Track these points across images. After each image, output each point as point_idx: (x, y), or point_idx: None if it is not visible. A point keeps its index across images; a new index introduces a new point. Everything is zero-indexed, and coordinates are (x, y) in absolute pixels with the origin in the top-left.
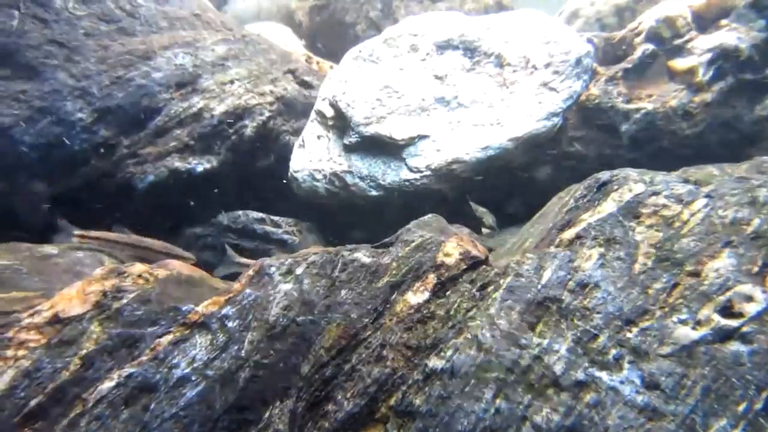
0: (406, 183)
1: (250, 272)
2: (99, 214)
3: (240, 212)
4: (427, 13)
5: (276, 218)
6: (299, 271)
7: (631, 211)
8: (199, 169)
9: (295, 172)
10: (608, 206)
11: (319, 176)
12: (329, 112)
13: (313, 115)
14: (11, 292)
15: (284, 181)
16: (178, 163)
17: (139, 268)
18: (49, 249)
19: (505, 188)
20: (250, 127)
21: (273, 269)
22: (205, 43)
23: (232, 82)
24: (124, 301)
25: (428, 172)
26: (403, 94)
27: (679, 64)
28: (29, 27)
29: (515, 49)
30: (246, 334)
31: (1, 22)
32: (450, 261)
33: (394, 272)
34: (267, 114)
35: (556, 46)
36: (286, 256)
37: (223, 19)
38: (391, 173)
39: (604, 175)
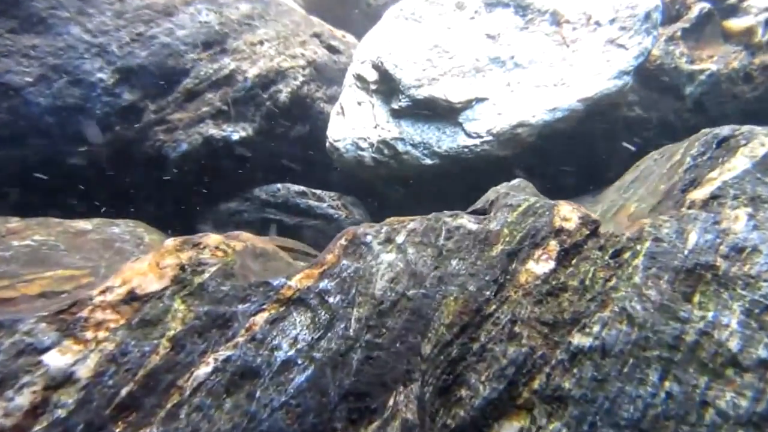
0: (465, 149)
1: (342, 241)
2: (127, 186)
3: (279, 185)
4: None
5: (317, 191)
6: (400, 239)
7: None
8: (235, 137)
9: (336, 141)
10: (740, 162)
11: (364, 145)
12: (371, 76)
13: (350, 79)
14: (56, 270)
15: (320, 152)
16: (212, 131)
17: (215, 238)
18: (83, 224)
19: (561, 155)
20: (284, 92)
21: (370, 237)
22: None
23: (261, 42)
24: (206, 275)
25: (489, 137)
26: (455, 54)
27: (734, 24)
28: None
29: (573, 5)
30: (351, 311)
31: None
32: (570, 226)
33: (507, 239)
34: (301, 79)
35: (620, 0)
36: (378, 224)
37: None
38: (446, 139)
39: (723, 130)
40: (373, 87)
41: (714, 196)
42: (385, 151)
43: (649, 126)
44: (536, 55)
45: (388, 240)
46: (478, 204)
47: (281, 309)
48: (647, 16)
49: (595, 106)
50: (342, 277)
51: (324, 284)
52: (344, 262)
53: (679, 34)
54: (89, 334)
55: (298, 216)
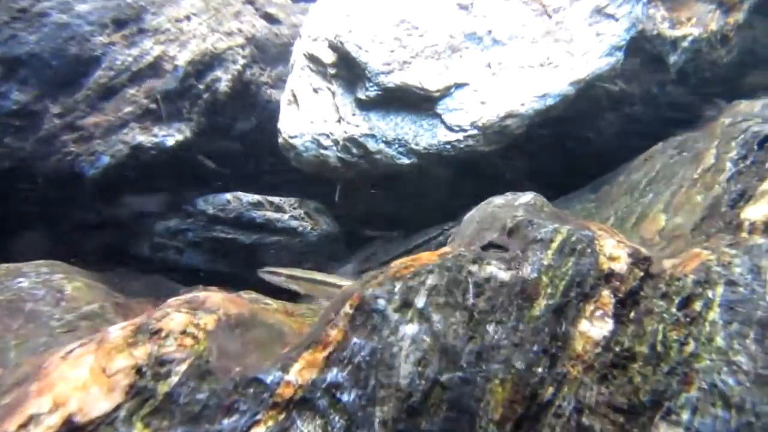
0: (447, 146)
1: (348, 309)
2: (31, 217)
3: (228, 196)
4: None
5: (275, 199)
6: (420, 302)
7: None
8: (170, 142)
9: (291, 138)
10: None
11: (327, 142)
12: (328, 57)
13: (301, 60)
14: None
15: (270, 149)
16: (141, 137)
17: (179, 320)
18: None
19: (549, 144)
20: (224, 80)
21: (382, 303)
22: None
23: (188, 17)
24: (174, 379)
25: (474, 131)
26: (426, 30)
27: None
28: None
29: None
30: (374, 411)
31: None
32: (620, 267)
33: (548, 291)
34: (241, 62)
35: None
36: (385, 277)
37: None
38: (424, 134)
39: (764, 128)
40: (331, 71)
41: None
42: (354, 150)
43: (632, 101)
44: (516, 28)
45: (406, 304)
46: (492, 232)
47: (281, 418)
48: None
49: (587, 88)
50: (355, 362)
51: (333, 375)
52: (355, 340)
53: None
54: None
55: (256, 232)
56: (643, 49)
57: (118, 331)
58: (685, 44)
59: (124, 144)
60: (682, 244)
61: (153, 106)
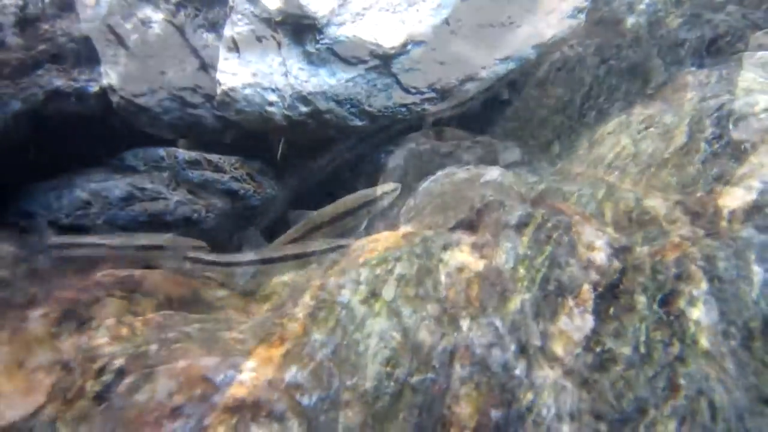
0: (402, 109)
1: (308, 300)
2: None
3: (162, 151)
4: None
5: (213, 158)
6: (389, 293)
7: None
8: (94, 88)
9: (232, 90)
10: None
11: (273, 98)
12: (273, 2)
13: (240, 4)
14: None
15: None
16: (59, 81)
17: (113, 306)
18: None
19: (502, 110)
20: (155, 20)
21: (347, 294)
22: None
23: None
24: (105, 378)
25: (432, 94)
26: None
27: None
28: None
29: None
30: (337, 416)
31: None
32: (599, 258)
33: (525, 284)
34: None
35: None
36: (342, 262)
37: None
38: (379, 95)
39: (737, 105)
40: (278, 18)
41: (757, 206)
42: (302, 109)
43: (586, 66)
44: None
45: (374, 294)
46: (459, 212)
47: (233, 422)
48: None
49: (548, 52)
50: (317, 360)
51: (292, 374)
52: (316, 336)
53: None
54: None
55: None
56: (600, 11)
57: (38, 318)
58: (642, 6)
59: (38, 87)
60: (655, 230)
61: (73, 45)
